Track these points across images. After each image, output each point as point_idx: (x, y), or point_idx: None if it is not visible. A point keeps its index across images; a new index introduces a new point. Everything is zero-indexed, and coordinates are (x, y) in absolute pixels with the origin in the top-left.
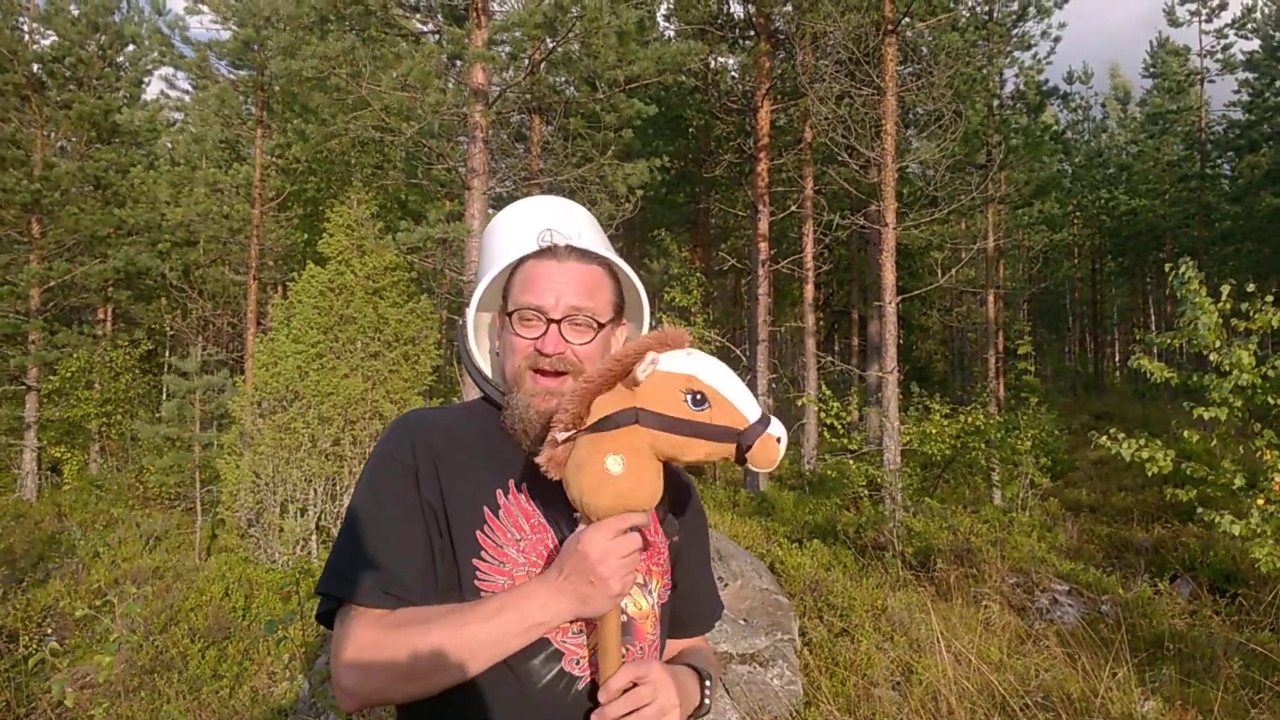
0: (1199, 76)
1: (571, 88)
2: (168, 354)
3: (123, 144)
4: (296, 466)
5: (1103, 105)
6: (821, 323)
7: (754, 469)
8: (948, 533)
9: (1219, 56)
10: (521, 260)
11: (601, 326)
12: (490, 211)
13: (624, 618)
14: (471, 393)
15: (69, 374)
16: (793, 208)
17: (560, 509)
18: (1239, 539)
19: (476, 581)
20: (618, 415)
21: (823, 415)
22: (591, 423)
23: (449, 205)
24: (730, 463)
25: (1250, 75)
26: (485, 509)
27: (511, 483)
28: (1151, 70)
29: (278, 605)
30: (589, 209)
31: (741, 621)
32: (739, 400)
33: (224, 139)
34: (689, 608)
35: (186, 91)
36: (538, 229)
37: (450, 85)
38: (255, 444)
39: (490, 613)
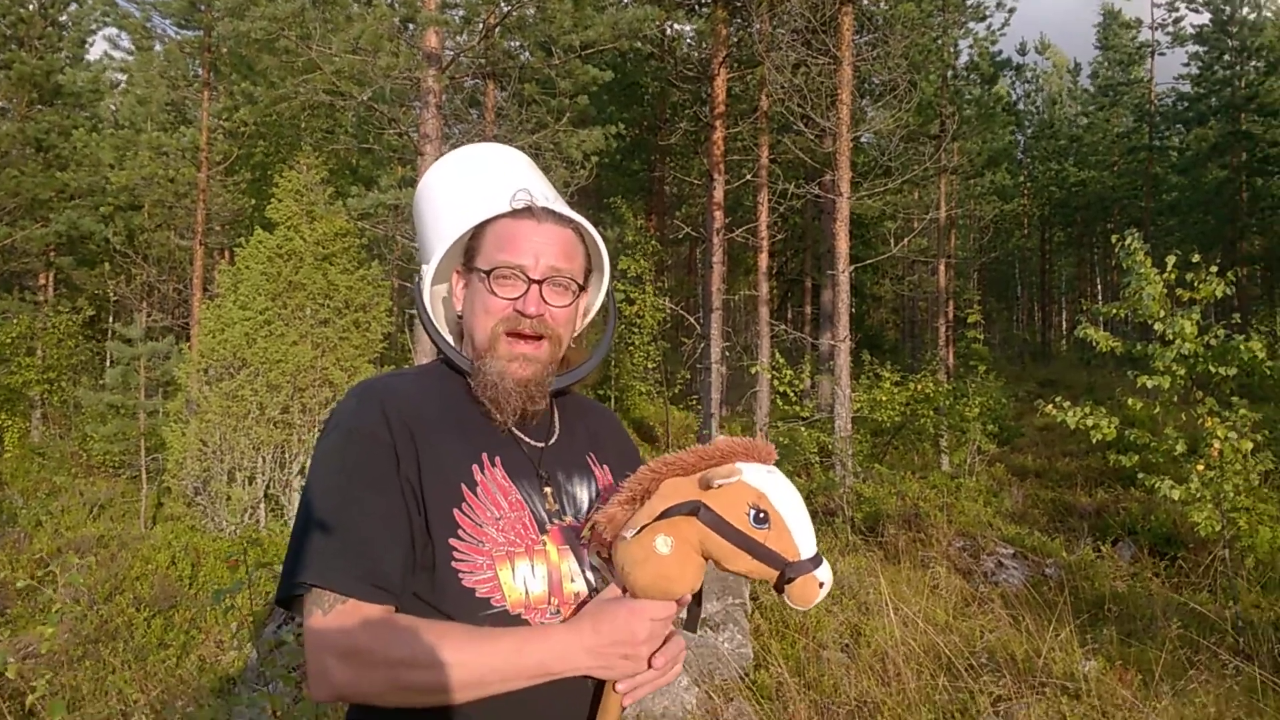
0: (1149, 49)
1: (526, 53)
2: (111, 320)
3: (65, 106)
4: (244, 434)
5: (1057, 78)
6: (775, 291)
7: (789, 603)
8: (896, 498)
9: (1169, 29)
10: (489, 219)
11: (581, 290)
12: None
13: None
14: (424, 358)
15: (9, 340)
16: (748, 176)
17: (532, 483)
18: (1179, 504)
19: (453, 563)
20: (681, 504)
21: (775, 383)
22: (659, 510)
23: (401, 171)
24: (768, 586)
25: (1199, 48)
26: (463, 486)
27: (485, 456)
28: (1102, 42)
29: (225, 574)
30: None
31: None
32: (799, 533)
33: (170, 101)
34: None
35: (131, 52)
36: (501, 185)
37: (403, 49)
38: (202, 411)
39: (509, 649)
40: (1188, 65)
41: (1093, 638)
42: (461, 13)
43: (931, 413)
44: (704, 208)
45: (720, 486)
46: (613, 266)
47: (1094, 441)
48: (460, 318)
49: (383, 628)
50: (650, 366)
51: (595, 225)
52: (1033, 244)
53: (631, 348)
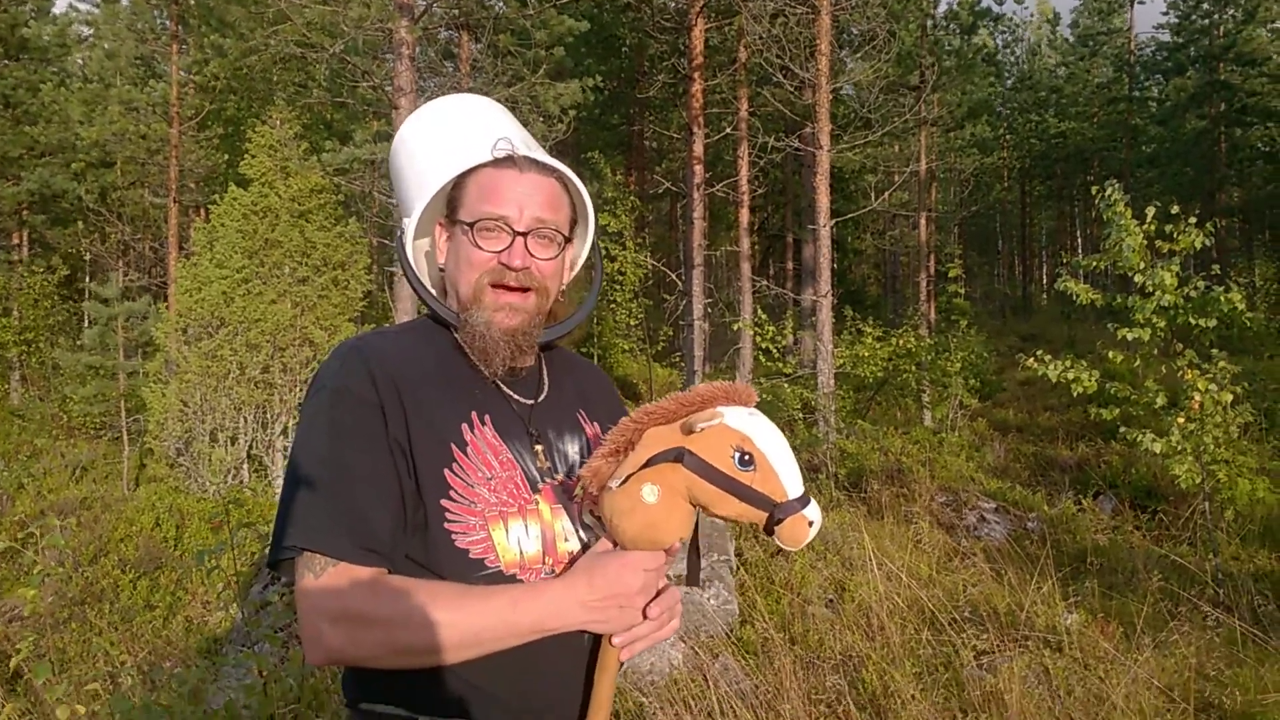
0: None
1: (501, 3)
2: (87, 280)
3: (32, 60)
4: (225, 394)
5: (1036, 28)
6: (757, 247)
7: (779, 544)
8: (879, 454)
9: None
10: (471, 169)
11: (567, 241)
12: None
13: None
14: (405, 316)
15: None
16: (727, 130)
17: (523, 442)
18: (1160, 456)
19: (446, 524)
20: (665, 452)
21: (758, 339)
22: (644, 459)
23: (376, 125)
24: (757, 529)
25: None
26: (453, 445)
27: (474, 415)
28: None
29: (209, 535)
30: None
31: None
32: (785, 473)
33: (138, 55)
34: None
35: (97, 5)
36: (480, 134)
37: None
38: (181, 372)
39: (502, 606)
40: (1166, 14)
41: (1074, 591)
42: None
43: (913, 368)
44: (684, 162)
45: (702, 430)
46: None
47: (1075, 395)
48: (443, 271)
49: (374, 589)
50: (632, 324)
51: None
52: (1013, 197)
53: (614, 305)
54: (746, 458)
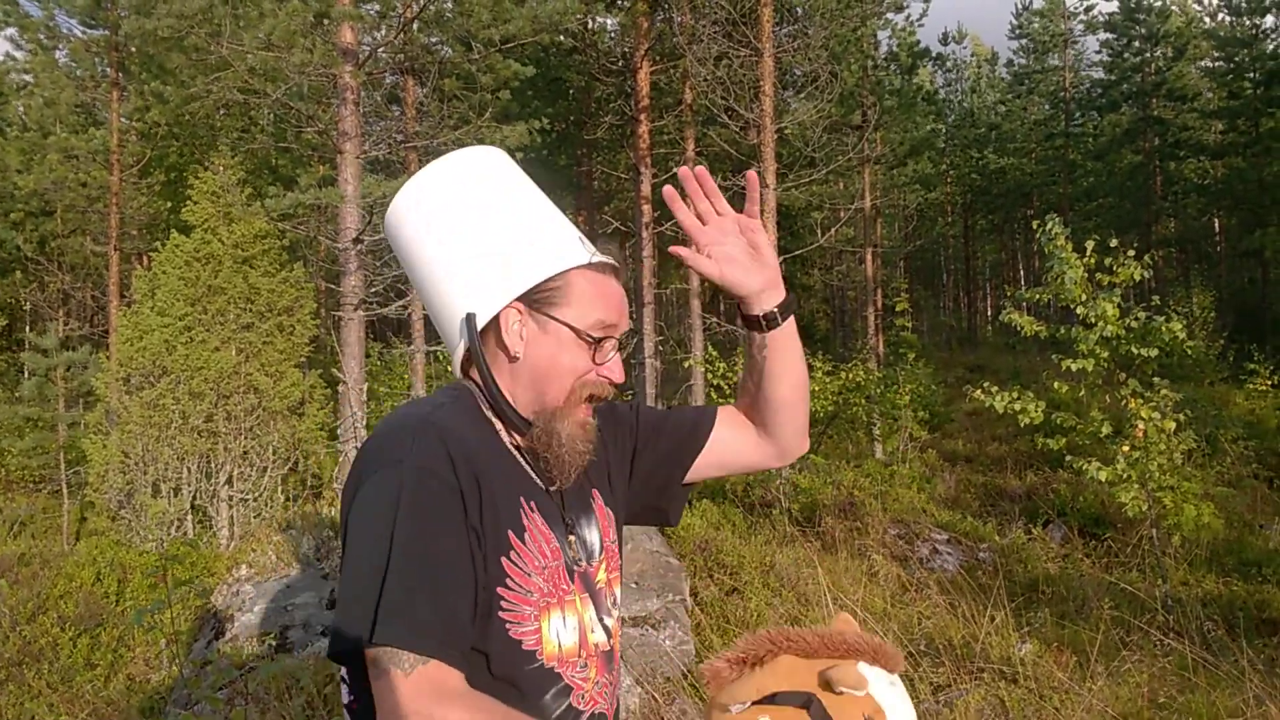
0: (1063, 38)
1: (446, 48)
2: (26, 330)
3: None
4: (168, 444)
5: (975, 67)
6: (707, 284)
7: None
8: (832, 488)
9: (1082, 18)
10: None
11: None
12: (367, 175)
13: (608, 646)
14: (352, 361)
15: None
16: (675, 170)
17: (560, 530)
18: (1106, 485)
19: (501, 613)
20: (794, 694)
21: (709, 376)
22: (770, 689)
23: (322, 170)
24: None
25: (1110, 36)
26: (511, 533)
27: (523, 501)
28: (1018, 32)
29: (148, 591)
30: None
31: (633, 585)
32: None
33: (78, 103)
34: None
35: (35, 52)
36: (558, 224)
37: (317, 44)
38: (123, 422)
39: None
40: (1100, 52)
41: (1027, 621)
42: (377, 7)
43: (863, 401)
44: (632, 202)
45: (843, 695)
46: None
47: (1022, 425)
48: (515, 361)
49: (466, 705)
50: None
51: None
52: (956, 231)
53: None
54: None
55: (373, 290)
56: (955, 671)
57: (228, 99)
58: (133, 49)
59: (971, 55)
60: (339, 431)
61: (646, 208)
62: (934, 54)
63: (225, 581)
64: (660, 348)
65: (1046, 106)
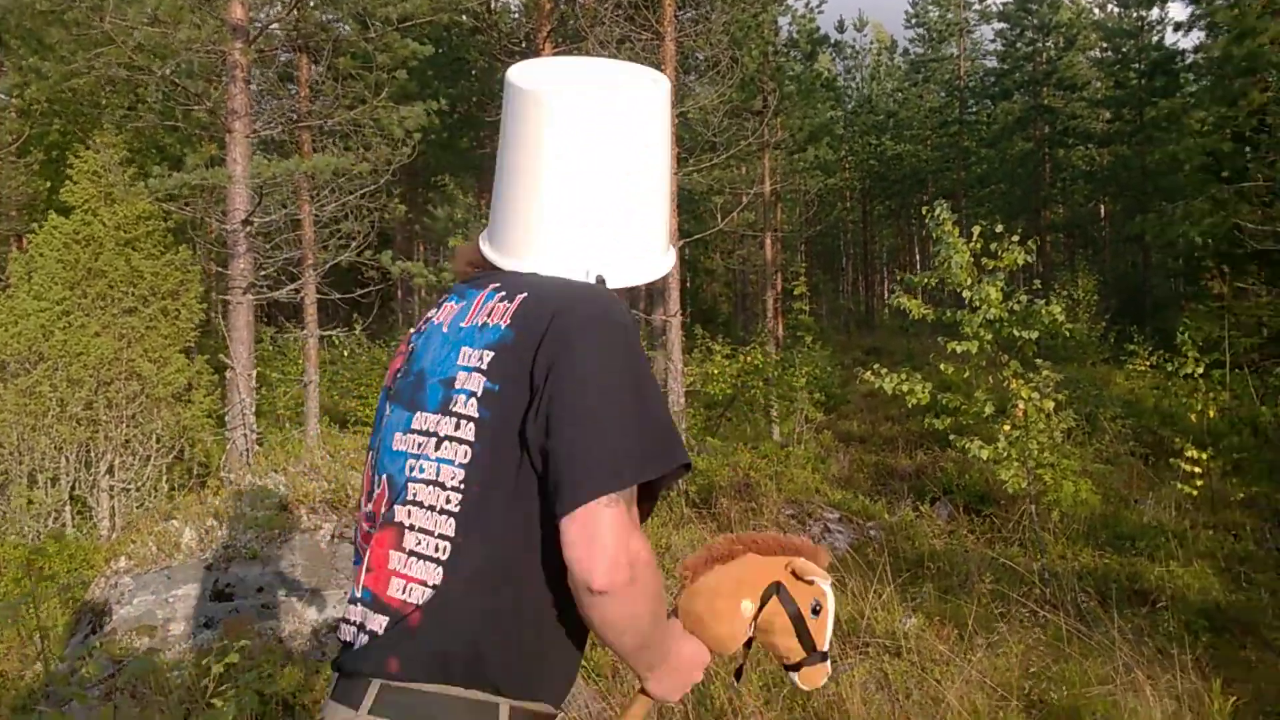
0: (959, 27)
1: (342, 25)
2: None
3: None
4: (45, 433)
5: (875, 54)
6: None
7: (796, 681)
8: (729, 469)
9: (977, 8)
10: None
11: None
12: (258, 155)
13: None
14: (241, 347)
15: None
16: None
17: None
18: (988, 462)
19: None
20: (772, 584)
21: None
22: (742, 578)
23: (211, 149)
24: (777, 663)
25: (1004, 25)
26: None
27: None
28: (914, 20)
29: (28, 583)
30: (362, 154)
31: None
32: (830, 631)
33: None
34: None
35: None
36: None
37: (206, 20)
38: None
39: (668, 636)
40: (994, 42)
41: (913, 596)
42: None
43: (761, 384)
44: None
45: (810, 582)
46: (443, 245)
47: (909, 406)
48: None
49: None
50: None
51: (424, 204)
52: (855, 216)
53: None
54: (817, 608)
55: (263, 274)
56: (842, 647)
57: (112, 76)
58: (10, 22)
59: (872, 43)
60: (226, 418)
61: None
62: (833, 41)
63: (103, 574)
64: None
65: (942, 94)
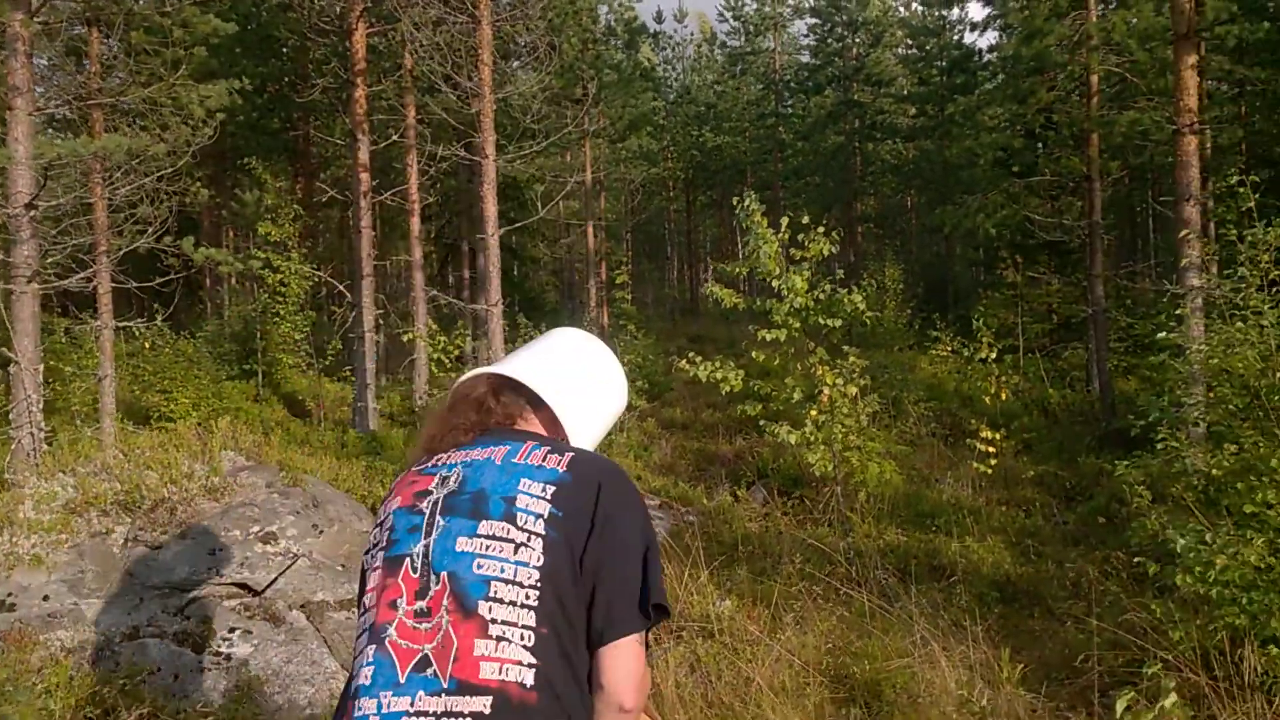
0: (774, 21)
1: None
2: None
3: None
4: None
5: (696, 46)
6: (435, 256)
7: None
8: None
9: (791, 3)
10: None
11: None
12: (43, 134)
13: None
14: (25, 340)
15: None
16: (394, 137)
17: None
18: (797, 446)
19: None
20: None
21: (432, 350)
22: None
23: None
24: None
25: (816, 21)
26: None
27: None
28: (730, 14)
29: None
30: (159, 134)
31: (340, 567)
32: None
33: None
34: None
35: None
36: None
37: None
38: None
39: None
40: (807, 37)
41: (727, 579)
42: None
43: None
44: (350, 169)
45: None
46: (252, 232)
47: (723, 393)
48: None
49: None
50: (298, 338)
51: (231, 188)
52: (679, 206)
53: (277, 319)
54: None
55: (51, 261)
56: (658, 631)
57: None
58: None
59: (693, 34)
60: (11, 415)
61: (365, 176)
62: (654, 32)
63: None
64: (381, 321)
65: (759, 87)
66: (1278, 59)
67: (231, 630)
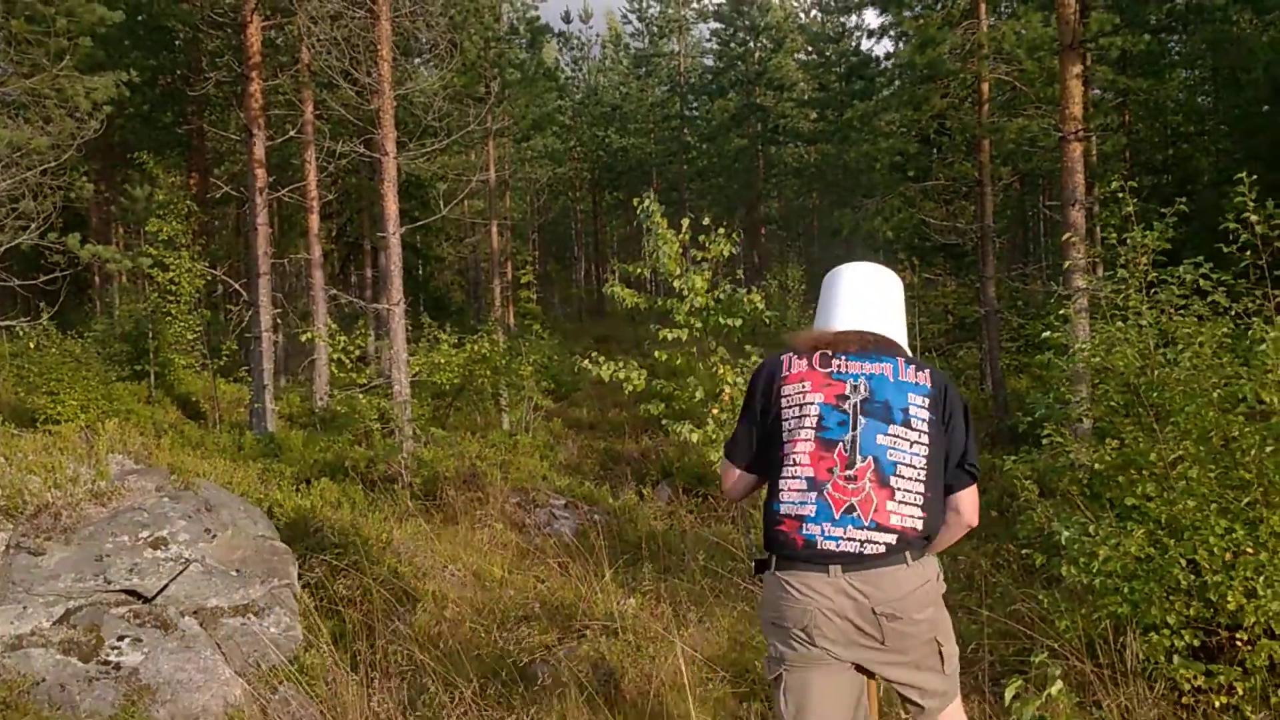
0: (678, 24)
1: None
2: None
3: None
4: None
5: (602, 47)
6: (337, 254)
7: None
8: (455, 460)
9: (695, 5)
10: None
11: None
12: None
13: None
14: None
15: None
16: (292, 132)
17: None
18: (699, 445)
19: None
20: None
21: (332, 351)
22: None
23: None
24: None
25: (719, 25)
26: None
27: None
28: (635, 15)
29: None
30: (42, 127)
31: (234, 573)
32: None
33: None
34: None
35: None
36: None
37: None
38: None
39: None
40: (710, 40)
41: (632, 577)
42: None
43: (489, 373)
44: (246, 165)
45: None
46: (142, 228)
47: (626, 393)
48: None
49: None
50: (191, 338)
51: (120, 183)
52: (586, 206)
53: (170, 318)
54: None
55: None
56: (564, 632)
57: None
58: None
59: (598, 35)
60: None
61: (260, 172)
62: (559, 31)
63: None
64: (279, 321)
65: (664, 89)
66: (1158, 70)
67: (120, 638)
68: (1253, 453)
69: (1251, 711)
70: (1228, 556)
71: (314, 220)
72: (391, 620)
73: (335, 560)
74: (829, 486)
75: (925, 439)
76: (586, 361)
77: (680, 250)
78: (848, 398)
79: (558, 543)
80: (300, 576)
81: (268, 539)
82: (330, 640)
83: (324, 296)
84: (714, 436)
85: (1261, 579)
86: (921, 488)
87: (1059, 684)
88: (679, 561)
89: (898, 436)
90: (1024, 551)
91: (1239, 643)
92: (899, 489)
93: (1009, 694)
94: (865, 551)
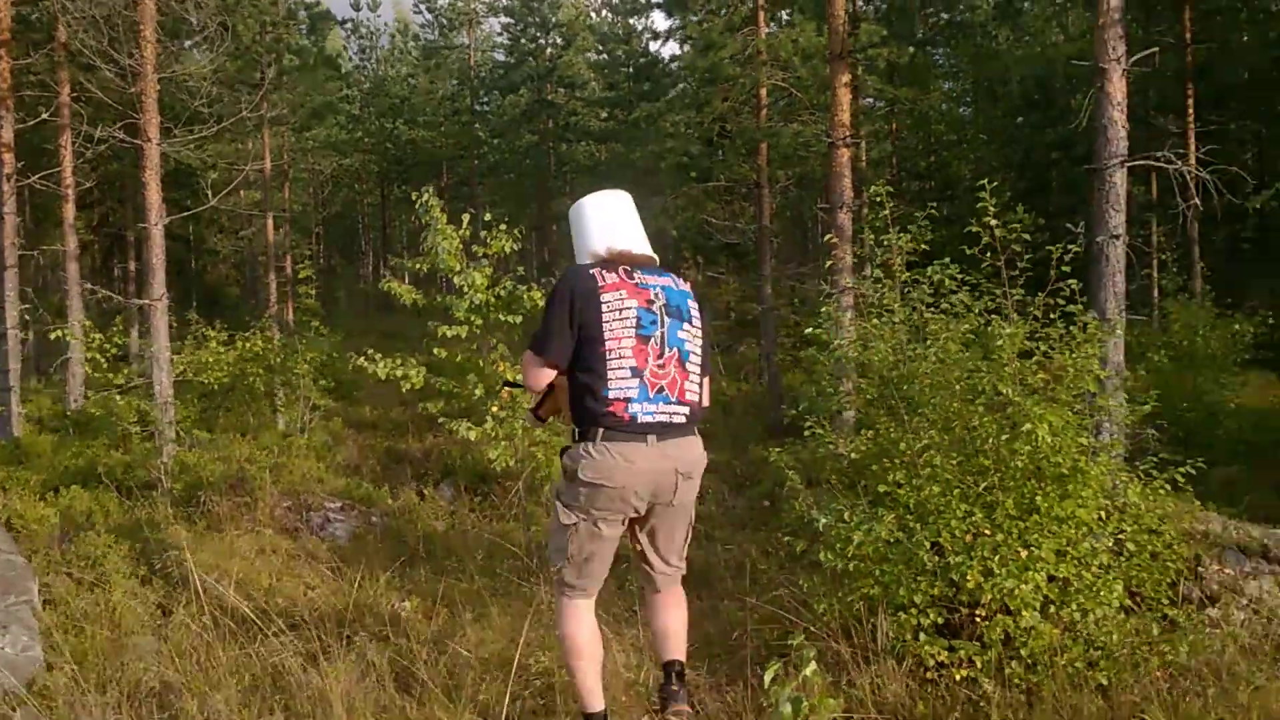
0: (469, 17)
1: None
2: None
3: None
4: None
5: (391, 37)
6: (97, 246)
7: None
8: (221, 463)
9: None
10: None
11: None
12: None
13: None
14: None
15: None
16: (45, 115)
17: None
18: (477, 443)
19: None
20: None
21: (87, 350)
22: None
23: None
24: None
25: (509, 20)
26: None
27: None
28: (424, 6)
29: None
30: None
31: None
32: None
33: None
34: None
35: None
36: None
37: None
38: None
39: None
40: (501, 35)
41: (409, 580)
42: None
43: (263, 371)
44: None
45: None
46: None
47: (403, 391)
48: None
49: None
50: None
51: None
52: (373, 199)
53: None
54: None
55: None
56: (335, 639)
57: None
58: None
59: (387, 24)
60: None
61: (8, 156)
62: (346, 19)
63: None
64: (29, 318)
65: (454, 83)
66: (923, 81)
67: None
68: (991, 441)
69: (988, 682)
70: (968, 538)
71: (69, 210)
72: (142, 636)
73: (82, 574)
74: (647, 373)
75: (700, 334)
76: (362, 359)
77: (461, 246)
78: (654, 301)
79: (331, 547)
80: (41, 592)
81: (5, 553)
82: (73, 660)
83: (79, 291)
84: (493, 434)
85: (997, 558)
86: (699, 372)
87: (812, 665)
88: (459, 562)
89: (689, 332)
90: (788, 539)
91: (978, 619)
92: (691, 373)
93: (768, 677)
94: (672, 422)
